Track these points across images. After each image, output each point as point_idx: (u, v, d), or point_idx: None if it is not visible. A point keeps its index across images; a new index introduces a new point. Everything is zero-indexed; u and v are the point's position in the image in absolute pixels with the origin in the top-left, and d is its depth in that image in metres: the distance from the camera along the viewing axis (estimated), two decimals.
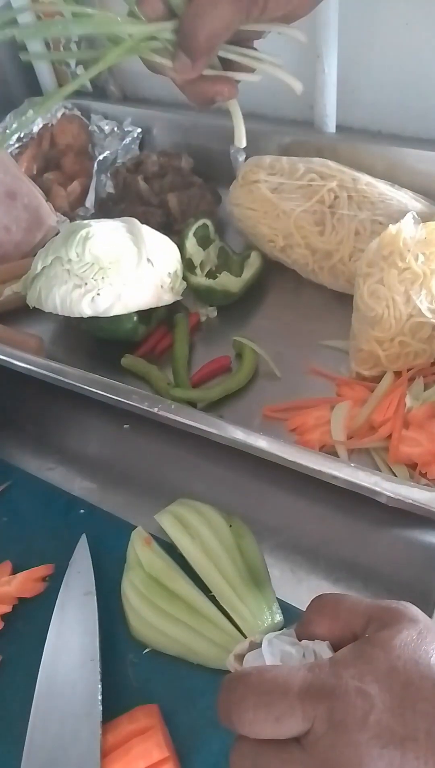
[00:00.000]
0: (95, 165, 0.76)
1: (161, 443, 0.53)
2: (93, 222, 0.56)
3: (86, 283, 0.53)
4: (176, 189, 0.70)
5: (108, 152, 0.77)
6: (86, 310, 0.53)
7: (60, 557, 0.46)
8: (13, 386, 0.56)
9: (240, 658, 0.34)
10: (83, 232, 0.54)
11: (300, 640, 0.29)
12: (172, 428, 0.46)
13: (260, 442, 0.42)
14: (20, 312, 0.62)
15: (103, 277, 0.53)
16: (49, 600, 0.43)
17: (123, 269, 0.54)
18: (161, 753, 0.35)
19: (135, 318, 0.56)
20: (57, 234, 0.63)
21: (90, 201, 0.74)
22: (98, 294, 0.53)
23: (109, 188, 0.74)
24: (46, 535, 0.48)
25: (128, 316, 0.55)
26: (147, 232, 0.57)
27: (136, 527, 0.46)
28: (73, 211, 0.73)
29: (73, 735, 0.36)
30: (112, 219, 0.59)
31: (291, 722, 0.25)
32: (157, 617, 0.40)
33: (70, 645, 0.41)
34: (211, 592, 0.41)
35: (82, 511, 0.49)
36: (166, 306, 0.58)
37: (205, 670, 0.40)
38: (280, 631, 0.31)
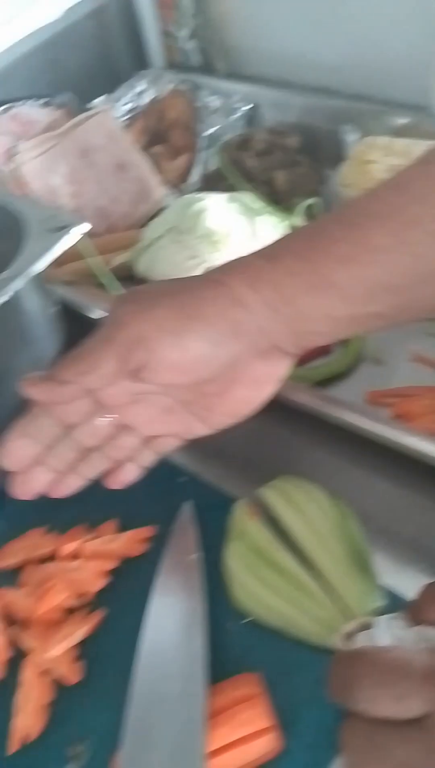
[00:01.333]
0: (201, 140, 0.76)
1: (264, 421, 0.52)
2: (207, 195, 0.57)
3: (198, 256, 0.54)
4: (283, 167, 0.70)
5: (214, 128, 0.77)
6: None
7: (163, 521, 0.47)
8: None
9: (349, 637, 0.34)
10: (198, 205, 0.54)
11: (412, 626, 0.29)
12: (275, 406, 0.47)
13: (379, 426, 0.42)
14: (126, 282, 0.63)
15: (214, 251, 0.54)
16: (153, 561, 0.44)
17: (234, 243, 0.54)
18: (266, 721, 0.36)
19: None
20: (164, 208, 0.64)
21: (195, 176, 0.74)
22: (209, 268, 0.53)
23: (215, 164, 0.74)
24: (150, 499, 0.49)
25: None
26: (259, 207, 0.57)
27: (237, 500, 0.46)
28: (178, 186, 0.73)
29: (178, 695, 0.37)
30: (224, 193, 0.59)
31: (412, 703, 0.25)
32: (261, 588, 0.40)
33: (174, 606, 0.41)
34: (313, 570, 0.41)
35: (184, 479, 0.50)
36: None
37: (306, 645, 0.40)
38: (392, 614, 0.30)
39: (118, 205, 0.69)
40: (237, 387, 0.37)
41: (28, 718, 0.40)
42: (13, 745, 0.39)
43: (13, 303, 0.42)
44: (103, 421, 0.38)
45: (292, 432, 0.51)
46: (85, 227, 0.44)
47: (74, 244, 0.44)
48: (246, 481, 0.48)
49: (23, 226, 0.44)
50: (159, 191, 0.70)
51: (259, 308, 0.34)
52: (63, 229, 0.43)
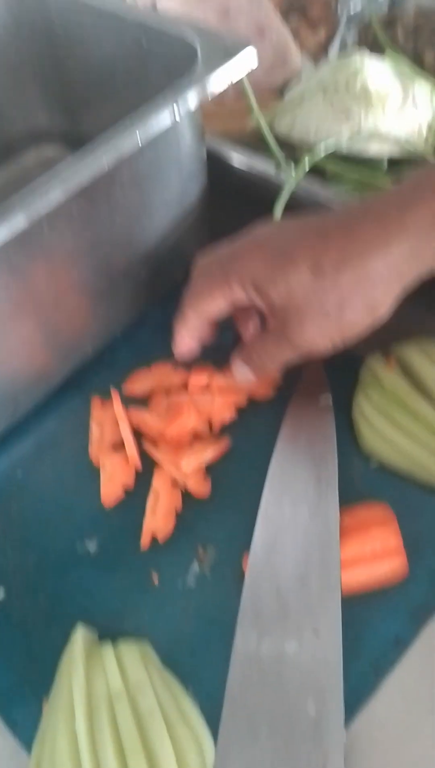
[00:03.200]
0: (343, 16, 0.73)
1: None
2: (364, 57, 0.54)
3: (351, 116, 0.52)
4: (432, 45, 0.66)
5: (357, 5, 0.74)
6: (344, 140, 0.52)
7: (289, 371, 0.48)
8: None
9: None
10: (356, 65, 0.52)
11: None
12: None
13: None
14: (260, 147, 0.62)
15: (367, 113, 0.52)
16: (281, 405, 0.46)
17: (388, 108, 0.52)
18: (397, 543, 0.37)
19: (385, 165, 0.54)
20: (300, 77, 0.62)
21: (334, 51, 0.71)
22: (359, 129, 0.52)
23: (355, 41, 0.71)
24: None
25: (381, 160, 0.54)
26: (415, 74, 0.55)
27: (366, 358, 0.47)
28: (316, 59, 0.71)
29: (310, 511, 0.39)
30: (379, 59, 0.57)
31: None
32: (394, 432, 0.41)
33: (305, 440, 0.43)
34: None
35: None
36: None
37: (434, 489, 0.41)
38: None
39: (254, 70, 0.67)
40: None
41: (157, 520, 0.42)
42: (144, 542, 0.41)
43: (174, 130, 0.42)
44: None
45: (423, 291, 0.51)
46: (252, 52, 0.43)
47: (238, 81, 0.43)
48: (378, 342, 0.48)
49: (191, 53, 0.43)
50: (297, 59, 0.67)
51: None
52: (233, 54, 0.42)
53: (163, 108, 0.39)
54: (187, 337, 0.44)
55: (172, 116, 0.38)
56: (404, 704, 0.35)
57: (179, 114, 0.39)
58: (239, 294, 0.39)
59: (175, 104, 0.39)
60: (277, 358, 0.41)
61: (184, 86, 0.40)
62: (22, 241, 0.37)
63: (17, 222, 0.34)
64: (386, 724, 0.34)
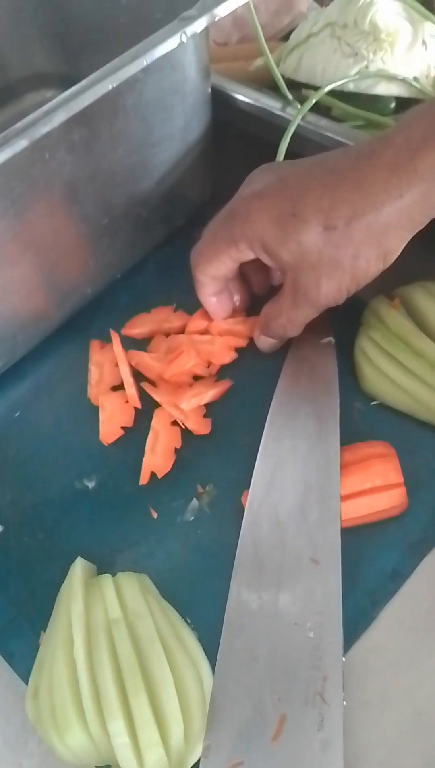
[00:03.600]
0: None
1: None
2: None
3: (358, 54, 0.51)
4: None
5: None
6: (351, 78, 0.51)
7: None
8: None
9: None
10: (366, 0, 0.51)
11: None
12: None
13: None
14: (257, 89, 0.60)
15: (379, 50, 0.51)
16: (283, 348, 0.46)
17: (397, 47, 0.51)
18: (397, 477, 0.37)
19: (393, 104, 0.53)
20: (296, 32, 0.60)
21: None
22: (367, 67, 0.51)
23: None
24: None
25: (388, 99, 0.52)
26: (426, 13, 0.53)
27: (368, 302, 0.46)
28: (324, 2, 0.69)
29: (311, 446, 0.39)
30: None
31: None
32: (396, 371, 0.41)
33: (307, 378, 0.43)
34: None
35: None
36: None
37: (434, 429, 0.41)
38: None
39: (257, 14, 0.65)
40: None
41: (157, 458, 0.42)
42: (143, 478, 0.41)
43: (180, 55, 0.41)
44: None
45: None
46: None
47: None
48: (381, 286, 0.48)
49: None
50: (304, 3, 0.66)
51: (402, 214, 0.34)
52: None
53: (169, 31, 0.37)
54: (213, 299, 0.44)
55: (178, 38, 0.37)
56: (400, 633, 0.35)
57: (186, 35, 0.38)
58: (247, 255, 0.39)
59: (181, 27, 0.38)
60: (297, 320, 0.41)
61: (190, 8, 0.39)
62: (23, 167, 0.36)
63: (19, 145, 0.34)
64: (383, 652, 0.35)
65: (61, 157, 0.38)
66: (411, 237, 0.36)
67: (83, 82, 0.36)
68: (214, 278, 0.43)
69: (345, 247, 0.35)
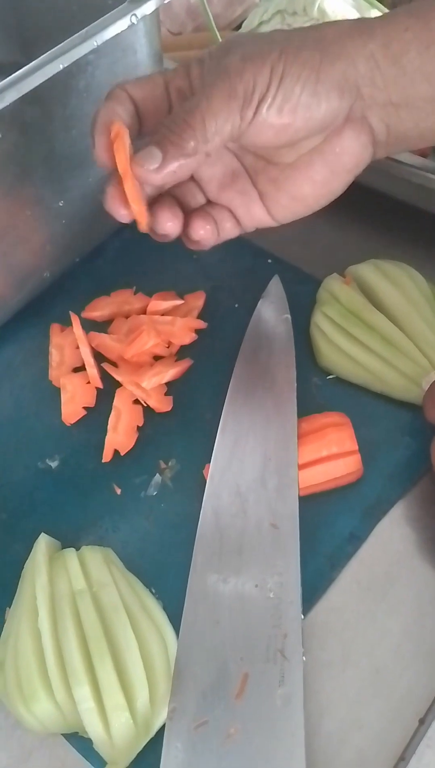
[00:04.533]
0: None
1: (351, 211, 0.53)
2: None
3: None
4: None
5: None
6: None
7: (250, 296, 0.48)
8: None
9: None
10: None
11: None
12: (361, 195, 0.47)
13: None
14: None
15: None
16: (241, 326, 0.46)
17: None
18: (352, 445, 0.38)
19: None
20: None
21: None
22: None
23: None
24: (236, 276, 0.50)
25: None
26: (372, 3, 0.55)
27: (322, 281, 0.47)
28: None
29: (268, 417, 0.40)
30: None
31: None
32: (350, 345, 0.42)
33: (264, 356, 0.44)
34: (404, 331, 0.42)
35: (269, 261, 0.51)
36: None
37: (388, 399, 0.42)
38: None
39: (210, 5, 0.66)
40: (315, 160, 0.34)
41: (119, 436, 0.42)
42: (106, 456, 0.42)
43: (131, 36, 0.42)
44: None
45: (382, 213, 0.52)
46: None
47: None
48: (333, 265, 0.49)
49: None
50: None
51: (363, 63, 0.31)
52: None
53: (120, 13, 0.38)
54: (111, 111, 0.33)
55: (129, 20, 0.38)
56: (359, 594, 0.36)
57: (136, 17, 0.38)
58: (174, 77, 0.33)
59: (131, 9, 0.38)
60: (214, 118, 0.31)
61: None
62: None
63: None
64: (342, 612, 0.36)
65: (14, 138, 0.38)
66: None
67: (34, 62, 0.36)
68: (128, 91, 0.33)
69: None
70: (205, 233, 0.36)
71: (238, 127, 0.31)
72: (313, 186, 0.35)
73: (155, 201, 0.35)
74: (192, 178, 0.36)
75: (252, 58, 0.31)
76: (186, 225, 0.36)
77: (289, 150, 0.34)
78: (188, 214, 0.36)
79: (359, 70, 0.31)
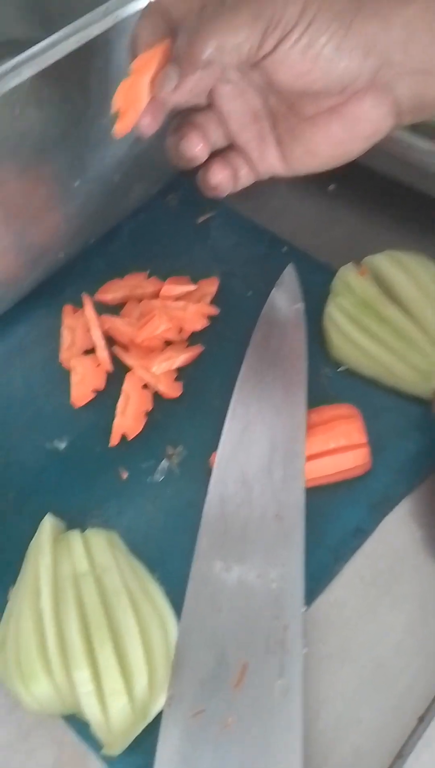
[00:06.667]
0: None
1: (367, 201, 0.53)
2: None
3: None
4: None
5: None
6: None
7: (263, 284, 0.48)
8: None
9: None
10: None
11: None
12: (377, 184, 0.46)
13: None
14: None
15: None
16: (254, 313, 0.46)
17: None
18: (361, 437, 0.38)
19: None
20: None
21: None
22: None
23: None
24: (250, 263, 0.50)
25: None
26: None
27: (337, 271, 0.47)
28: None
29: (277, 407, 0.39)
30: None
31: None
32: (363, 337, 0.42)
33: (274, 346, 0.43)
34: (418, 324, 0.42)
35: (284, 249, 0.51)
36: None
37: (399, 393, 0.42)
38: None
39: None
40: (334, 120, 0.34)
41: (128, 420, 0.42)
42: (114, 440, 0.42)
43: (108, 41, 0.40)
44: None
45: (399, 206, 0.51)
46: None
47: None
48: (350, 255, 0.48)
49: None
50: None
51: (398, 29, 0.30)
52: None
53: None
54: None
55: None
56: (361, 588, 0.36)
57: None
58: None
59: None
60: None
61: None
62: None
63: None
64: (344, 606, 0.35)
65: (31, 114, 0.38)
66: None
67: (51, 38, 0.35)
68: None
69: None
70: (223, 177, 0.36)
71: (255, 52, 0.30)
72: (329, 145, 0.35)
73: (182, 127, 0.35)
74: (215, 111, 0.36)
75: None
76: (205, 169, 0.36)
77: (309, 102, 0.34)
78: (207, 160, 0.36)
79: (392, 36, 0.30)
